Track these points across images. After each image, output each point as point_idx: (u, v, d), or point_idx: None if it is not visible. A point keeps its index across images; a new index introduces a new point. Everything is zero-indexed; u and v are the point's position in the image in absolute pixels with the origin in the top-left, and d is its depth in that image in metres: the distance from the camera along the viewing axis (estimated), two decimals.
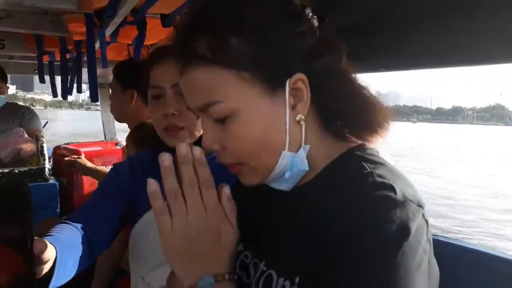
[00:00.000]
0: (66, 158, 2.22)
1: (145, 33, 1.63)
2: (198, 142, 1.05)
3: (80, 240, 0.92)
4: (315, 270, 0.53)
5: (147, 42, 1.77)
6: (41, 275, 0.69)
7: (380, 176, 0.53)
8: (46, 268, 0.69)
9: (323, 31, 0.59)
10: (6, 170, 2.19)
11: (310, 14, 0.58)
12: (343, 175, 0.57)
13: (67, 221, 0.94)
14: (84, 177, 2.48)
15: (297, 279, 0.54)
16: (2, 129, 2.79)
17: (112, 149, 2.81)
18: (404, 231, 0.48)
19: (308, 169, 0.59)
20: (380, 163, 0.57)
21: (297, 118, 0.57)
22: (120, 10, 1.34)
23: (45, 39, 2.02)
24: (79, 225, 0.95)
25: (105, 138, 3.40)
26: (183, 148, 0.53)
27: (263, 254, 0.64)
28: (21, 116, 2.92)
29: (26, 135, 2.51)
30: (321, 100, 0.59)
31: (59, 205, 2.29)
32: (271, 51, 0.54)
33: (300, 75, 0.55)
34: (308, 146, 0.59)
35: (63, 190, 2.45)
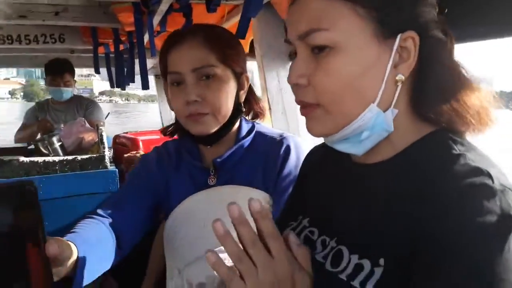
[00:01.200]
0: (125, 155, 2.31)
1: (192, 20, 1.62)
2: (224, 127, 0.98)
3: (106, 235, 0.90)
4: (404, 257, 0.49)
5: None
6: (62, 275, 0.67)
7: (472, 160, 0.49)
8: (66, 268, 0.67)
9: (441, 20, 0.56)
10: (69, 158, 2.31)
11: None
12: (430, 156, 0.52)
13: (92, 216, 0.93)
14: None
15: (381, 261, 0.51)
16: (69, 119, 2.98)
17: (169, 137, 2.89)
18: (508, 222, 0.43)
19: (392, 130, 0.55)
20: (471, 147, 0.52)
21: (397, 78, 0.53)
22: None
23: (99, 31, 2.09)
24: (106, 220, 0.93)
25: (162, 125, 3.51)
26: (234, 211, 0.50)
27: (334, 232, 0.60)
28: (85, 108, 3.10)
29: (87, 125, 2.64)
30: (421, 74, 0.55)
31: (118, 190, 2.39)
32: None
33: (413, 33, 0.52)
34: (396, 111, 0.55)
35: (122, 177, 2.55)
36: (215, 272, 0.88)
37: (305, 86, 0.55)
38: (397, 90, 0.54)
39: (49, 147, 2.37)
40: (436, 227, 0.45)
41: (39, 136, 2.82)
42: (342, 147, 0.57)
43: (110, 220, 0.93)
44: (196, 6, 1.58)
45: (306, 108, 0.57)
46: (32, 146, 2.42)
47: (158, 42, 2.23)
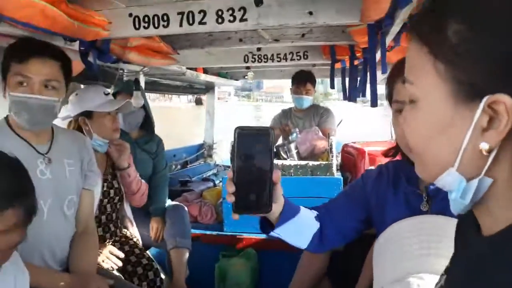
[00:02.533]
0: None
1: None
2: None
3: (312, 220, 1.07)
4: None
5: None
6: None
7: None
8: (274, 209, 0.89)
9: None
10: (303, 163, 2.59)
11: None
12: None
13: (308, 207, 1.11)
14: None
15: None
16: (307, 125, 3.32)
17: None
18: None
19: (467, 203, 0.48)
20: None
21: (480, 146, 0.45)
22: (397, 19, 1.37)
23: (336, 48, 2.28)
24: (317, 213, 1.11)
25: (391, 137, 3.49)
26: None
27: None
28: (321, 116, 3.38)
29: (320, 134, 2.88)
30: None
31: None
32: (487, 53, 0.43)
33: (504, 97, 0.42)
34: (490, 180, 0.46)
35: (346, 184, 2.69)
36: None
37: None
38: (488, 161, 0.45)
39: (287, 152, 2.72)
40: None
41: (280, 140, 3.25)
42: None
43: (321, 215, 1.11)
44: None
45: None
46: (275, 150, 2.82)
47: (393, 56, 2.26)
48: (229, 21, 1.61)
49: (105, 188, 1.99)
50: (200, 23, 1.63)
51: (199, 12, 1.62)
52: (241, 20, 1.60)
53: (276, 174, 0.82)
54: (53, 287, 1.38)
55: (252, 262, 2.50)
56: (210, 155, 4.27)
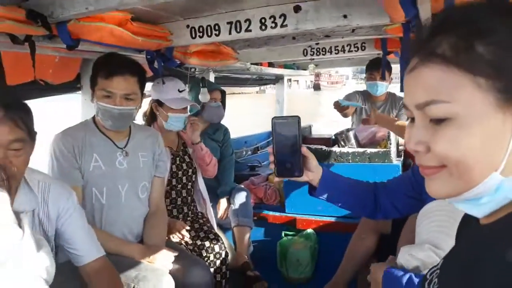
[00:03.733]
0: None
1: None
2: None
3: (362, 188, 1.30)
4: None
5: None
6: (308, 179, 1.18)
7: None
8: (313, 175, 1.17)
9: None
10: (360, 150, 2.68)
11: None
12: None
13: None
14: None
15: None
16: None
17: None
18: None
19: (507, 201, 0.53)
20: None
21: None
22: (422, 19, 1.44)
23: (388, 40, 2.33)
24: (374, 185, 1.34)
25: None
26: None
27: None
28: (399, 108, 3.32)
29: None
30: None
31: None
32: None
33: None
34: None
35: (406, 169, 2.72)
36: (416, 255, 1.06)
37: (423, 152, 0.56)
38: None
39: (345, 140, 2.83)
40: None
41: (337, 128, 3.32)
42: (462, 207, 0.57)
43: (377, 188, 1.33)
44: None
45: (428, 170, 0.57)
46: (333, 137, 2.95)
47: None
48: (271, 27, 1.80)
49: (178, 162, 2.35)
50: (246, 30, 1.85)
51: (245, 21, 1.84)
52: (282, 26, 1.78)
53: (303, 148, 1.12)
54: (129, 254, 1.74)
55: (311, 241, 2.70)
56: None
